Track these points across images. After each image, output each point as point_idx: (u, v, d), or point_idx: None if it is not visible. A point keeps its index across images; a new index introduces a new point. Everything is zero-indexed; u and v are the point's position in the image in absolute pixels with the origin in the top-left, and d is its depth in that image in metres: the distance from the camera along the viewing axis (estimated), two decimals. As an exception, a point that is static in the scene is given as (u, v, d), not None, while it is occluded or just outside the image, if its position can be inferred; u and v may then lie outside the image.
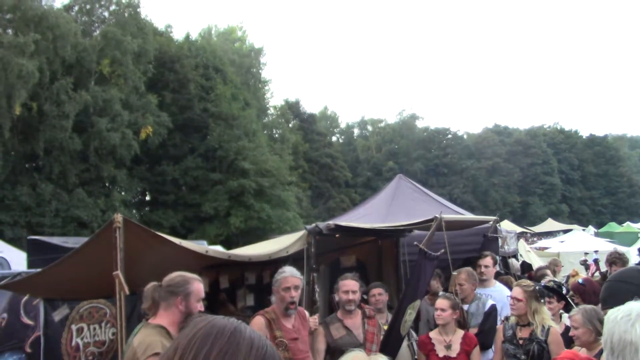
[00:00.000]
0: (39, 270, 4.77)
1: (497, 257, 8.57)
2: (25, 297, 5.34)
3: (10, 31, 27.43)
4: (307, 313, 5.02)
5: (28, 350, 5.23)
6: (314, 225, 5.59)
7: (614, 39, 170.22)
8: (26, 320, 5.33)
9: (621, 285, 2.79)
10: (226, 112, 36.73)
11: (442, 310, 5.14)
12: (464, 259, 7.36)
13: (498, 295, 6.30)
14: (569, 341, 4.81)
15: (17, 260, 11.02)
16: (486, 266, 6.70)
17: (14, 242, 19.11)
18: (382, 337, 5.51)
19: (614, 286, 2.85)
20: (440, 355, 5.05)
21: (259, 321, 4.35)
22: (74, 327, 5.15)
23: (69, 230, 26.99)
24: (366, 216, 9.76)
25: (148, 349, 3.31)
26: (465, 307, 6.06)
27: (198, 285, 3.68)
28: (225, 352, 1.27)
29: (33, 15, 27.13)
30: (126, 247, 4.00)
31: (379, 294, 5.97)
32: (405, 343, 5.78)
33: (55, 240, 8.17)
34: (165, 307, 3.60)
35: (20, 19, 27.27)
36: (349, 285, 5.20)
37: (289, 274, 4.58)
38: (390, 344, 5.55)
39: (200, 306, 3.66)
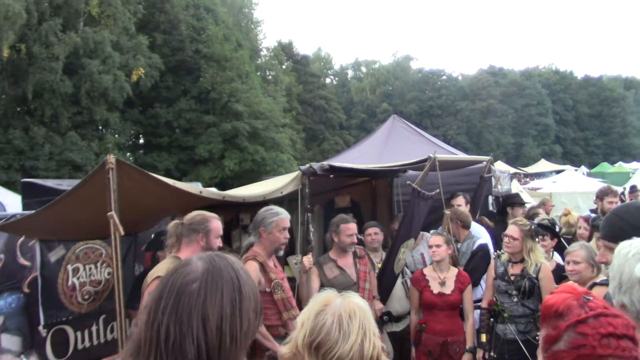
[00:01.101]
0: (33, 211, 4.77)
1: (490, 197, 8.64)
2: (22, 239, 5.35)
3: (-6, -29, 26.64)
4: None
5: (26, 290, 5.28)
6: (308, 165, 5.56)
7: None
8: (23, 261, 5.36)
9: (616, 220, 2.78)
10: (218, 53, 36.18)
11: (437, 246, 5.20)
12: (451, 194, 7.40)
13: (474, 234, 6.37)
14: (559, 278, 4.91)
15: (12, 203, 10.99)
16: (458, 205, 6.77)
17: (8, 185, 19.04)
18: (376, 275, 5.61)
19: (610, 219, 2.83)
20: (435, 291, 5.12)
21: (253, 266, 4.32)
22: (69, 268, 5.21)
23: (63, 173, 26.91)
24: (360, 157, 9.75)
25: (154, 274, 3.68)
26: (459, 245, 6.15)
27: (217, 223, 4.01)
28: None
29: (18, -47, 26.28)
30: (120, 188, 3.99)
31: (375, 233, 6.01)
32: (399, 281, 5.88)
33: (50, 182, 8.13)
34: (187, 242, 3.92)
35: (4, -42, 26.45)
36: (352, 229, 5.26)
37: (285, 215, 4.58)
38: (384, 281, 5.65)
39: (219, 242, 3.99)
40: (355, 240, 5.30)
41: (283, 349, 1.93)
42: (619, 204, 6.14)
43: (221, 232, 4.03)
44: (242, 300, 1.37)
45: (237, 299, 1.36)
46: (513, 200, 8.26)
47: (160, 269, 3.70)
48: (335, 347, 1.74)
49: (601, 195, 7.19)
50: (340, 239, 5.23)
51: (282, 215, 4.55)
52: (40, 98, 28.25)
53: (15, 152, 26.93)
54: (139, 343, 1.32)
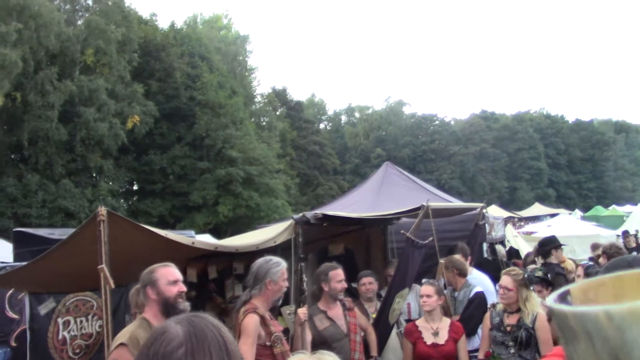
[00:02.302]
0: (23, 264, 4.72)
1: (484, 244, 8.62)
2: (10, 291, 5.29)
3: (-9, 21, 26.99)
4: None
5: (13, 344, 5.19)
6: (301, 215, 5.55)
7: (598, 25, 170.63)
8: (11, 314, 5.28)
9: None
10: (213, 100, 36.51)
11: (428, 296, 5.13)
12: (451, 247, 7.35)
13: (475, 283, 6.30)
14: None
15: (3, 252, 10.92)
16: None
17: (0, 233, 18.97)
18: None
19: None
20: (429, 342, 5.04)
21: (254, 320, 4.14)
22: (60, 321, 5.12)
23: (56, 221, 26.79)
24: (354, 204, 9.73)
25: (116, 340, 3.41)
26: (455, 294, 6.09)
27: (163, 270, 3.70)
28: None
29: (15, 4, 26.54)
30: (111, 240, 3.96)
31: (369, 282, 5.96)
32: (394, 331, 5.81)
33: (41, 232, 8.12)
34: (146, 301, 3.70)
35: (1, 8, 26.70)
36: (342, 275, 5.18)
37: (285, 263, 4.51)
38: (379, 332, 5.57)
39: (179, 287, 3.68)
40: (345, 286, 5.24)
41: None
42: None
43: (174, 278, 3.71)
44: (231, 357, 1.32)
45: (226, 357, 1.30)
46: (557, 244, 8.34)
47: (124, 333, 3.45)
48: None
49: (611, 254, 7.14)
50: (330, 286, 5.14)
51: (284, 263, 4.48)
52: (35, 145, 28.33)
53: (8, 200, 26.84)
54: None
